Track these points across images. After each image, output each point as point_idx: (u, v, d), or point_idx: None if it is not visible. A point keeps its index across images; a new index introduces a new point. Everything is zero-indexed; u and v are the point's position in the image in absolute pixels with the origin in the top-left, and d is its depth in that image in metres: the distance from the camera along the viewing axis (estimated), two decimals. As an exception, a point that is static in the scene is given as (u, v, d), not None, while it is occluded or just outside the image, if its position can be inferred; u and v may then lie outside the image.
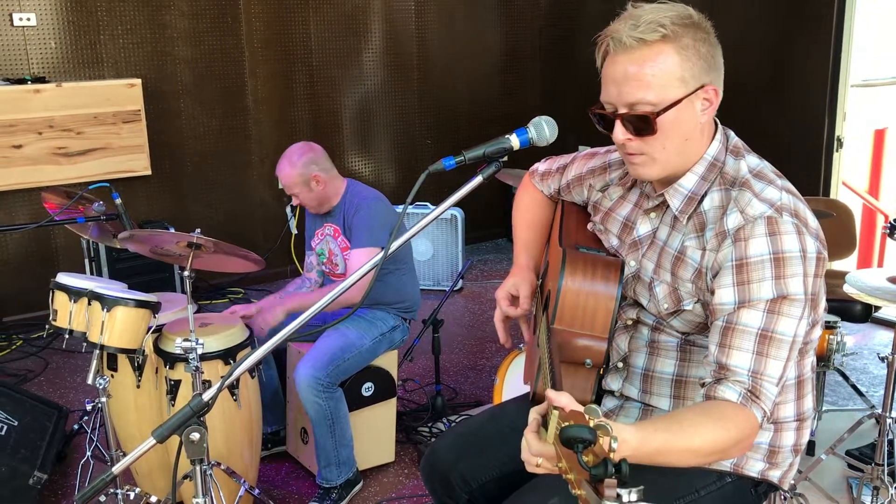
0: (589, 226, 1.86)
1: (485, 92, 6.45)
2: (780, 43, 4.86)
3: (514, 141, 1.56)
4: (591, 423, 1.07)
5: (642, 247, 1.71)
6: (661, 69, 1.50)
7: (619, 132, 1.56)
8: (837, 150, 4.73)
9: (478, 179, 1.57)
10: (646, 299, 1.68)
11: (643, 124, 1.53)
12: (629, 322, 1.73)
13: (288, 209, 5.70)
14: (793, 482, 2.06)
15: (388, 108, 6.07)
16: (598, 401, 1.77)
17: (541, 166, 2.05)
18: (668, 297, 1.63)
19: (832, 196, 4.73)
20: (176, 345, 2.54)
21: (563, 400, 1.24)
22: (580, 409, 1.20)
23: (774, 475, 1.68)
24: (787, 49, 4.81)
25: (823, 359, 2.97)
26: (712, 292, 1.53)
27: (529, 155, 1.69)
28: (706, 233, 1.58)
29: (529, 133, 1.57)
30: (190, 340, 2.47)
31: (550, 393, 1.26)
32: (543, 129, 1.57)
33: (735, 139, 1.66)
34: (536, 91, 6.65)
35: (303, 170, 3.10)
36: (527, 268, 1.90)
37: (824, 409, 3.46)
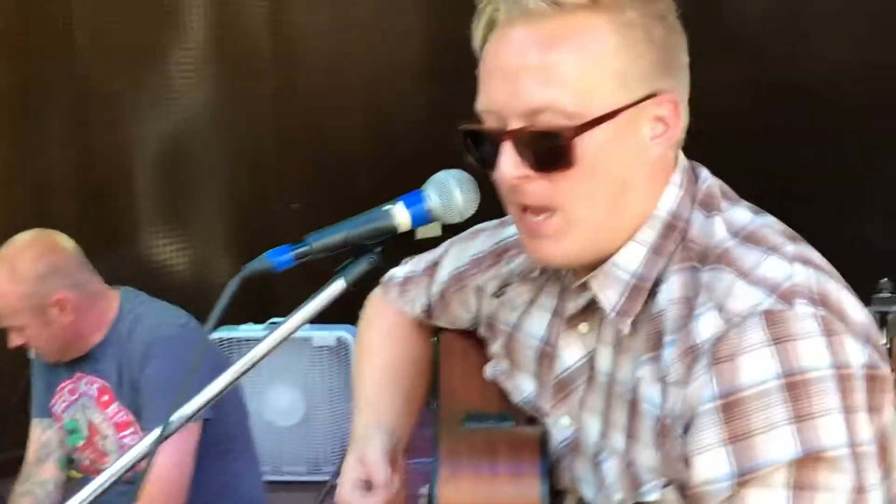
0: (487, 370, 1.37)
1: (396, 114, 4.62)
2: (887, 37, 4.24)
3: (401, 215, 1.08)
4: None
5: (576, 389, 1.22)
6: (587, 56, 1.04)
7: (509, 162, 1.06)
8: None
9: (338, 285, 1.13)
10: (591, 487, 1.20)
11: (552, 149, 1.05)
12: None
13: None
14: None
15: (219, 148, 4.91)
16: None
17: (399, 271, 1.57)
18: (619, 481, 1.15)
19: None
20: None
21: None
22: None
23: None
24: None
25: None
26: (687, 462, 1.03)
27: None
28: (664, 350, 1.08)
29: (428, 201, 1.09)
30: None
31: None
32: (451, 191, 1.09)
33: (709, 181, 1.15)
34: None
35: (34, 287, 2.45)
36: (368, 436, 1.45)
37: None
